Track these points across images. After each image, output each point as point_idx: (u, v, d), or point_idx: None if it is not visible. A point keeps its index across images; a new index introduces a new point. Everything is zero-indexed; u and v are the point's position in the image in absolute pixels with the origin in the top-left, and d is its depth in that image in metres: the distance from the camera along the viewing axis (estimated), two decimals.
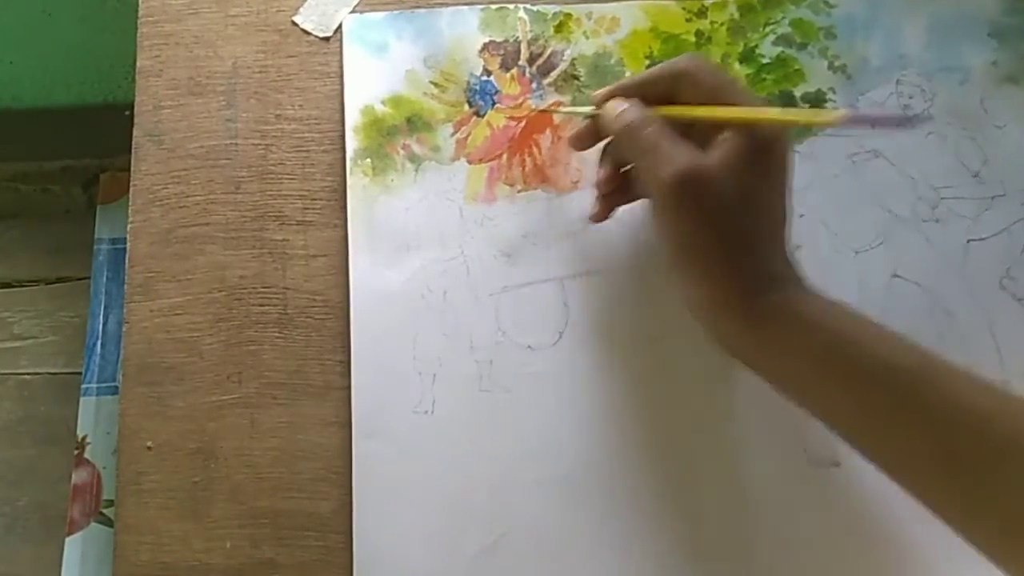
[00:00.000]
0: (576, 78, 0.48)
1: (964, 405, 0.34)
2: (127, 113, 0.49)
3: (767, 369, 0.38)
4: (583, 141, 0.44)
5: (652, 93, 0.40)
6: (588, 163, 0.46)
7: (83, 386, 0.71)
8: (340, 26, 0.49)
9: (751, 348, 0.38)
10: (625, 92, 0.41)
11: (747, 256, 0.37)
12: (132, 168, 0.48)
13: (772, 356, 0.38)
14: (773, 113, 0.37)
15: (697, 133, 0.38)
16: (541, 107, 0.47)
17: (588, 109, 0.43)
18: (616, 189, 0.43)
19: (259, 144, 0.48)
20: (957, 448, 0.33)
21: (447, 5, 0.49)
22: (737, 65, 0.48)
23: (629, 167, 0.43)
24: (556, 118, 0.47)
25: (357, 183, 0.47)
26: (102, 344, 0.72)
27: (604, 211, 0.44)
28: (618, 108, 0.40)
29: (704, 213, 0.37)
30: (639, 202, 0.44)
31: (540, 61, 0.48)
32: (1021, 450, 0.32)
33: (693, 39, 0.48)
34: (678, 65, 0.40)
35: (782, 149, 0.38)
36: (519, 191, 0.46)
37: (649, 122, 0.39)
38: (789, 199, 0.39)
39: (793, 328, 0.37)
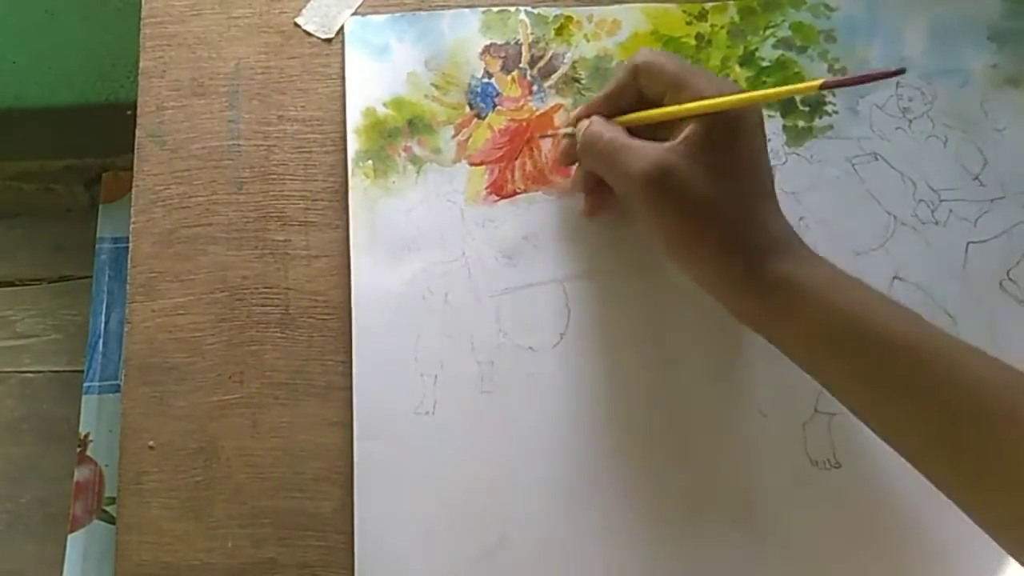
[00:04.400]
0: (577, 80, 0.48)
1: (966, 376, 0.34)
2: (129, 112, 0.49)
3: (777, 339, 0.39)
4: (568, 158, 0.45)
5: (621, 100, 0.42)
6: None
7: (85, 384, 0.71)
8: (342, 28, 0.50)
9: (761, 319, 0.39)
10: (596, 108, 0.42)
11: (738, 232, 0.38)
12: (135, 168, 0.48)
13: (780, 326, 0.39)
14: (745, 97, 0.37)
15: (665, 130, 0.40)
16: (540, 111, 0.48)
17: (568, 129, 0.44)
18: (597, 187, 0.44)
19: (261, 145, 0.48)
20: (959, 418, 0.34)
21: (448, 7, 0.49)
22: (737, 68, 0.48)
23: None
24: (557, 120, 0.47)
25: (359, 184, 0.47)
26: (104, 343, 0.72)
27: (594, 208, 0.45)
28: (581, 127, 0.42)
29: (680, 203, 0.38)
30: None
31: (541, 64, 0.48)
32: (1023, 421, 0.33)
33: (693, 42, 0.48)
34: (634, 62, 0.41)
35: (748, 111, 0.39)
36: (520, 193, 0.46)
37: (603, 135, 0.40)
38: (768, 160, 0.40)
39: (796, 299, 0.37)
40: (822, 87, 0.35)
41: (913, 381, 0.35)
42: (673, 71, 0.39)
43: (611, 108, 0.42)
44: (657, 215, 0.39)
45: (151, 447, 0.45)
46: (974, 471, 0.34)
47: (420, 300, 0.45)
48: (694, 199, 0.38)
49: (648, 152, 0.38)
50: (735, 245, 0.38)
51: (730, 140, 0.38)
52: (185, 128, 0.49)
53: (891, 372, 0.35)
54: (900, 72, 0.34)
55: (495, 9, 0.49)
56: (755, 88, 0.47)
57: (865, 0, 0.49)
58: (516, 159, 0.47)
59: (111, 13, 0.74)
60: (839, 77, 0.35)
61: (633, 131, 0.41)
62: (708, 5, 0.49)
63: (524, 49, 0.49)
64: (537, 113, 0.48)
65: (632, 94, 0.41)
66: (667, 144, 0.38)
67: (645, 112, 0.41)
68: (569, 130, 0.44)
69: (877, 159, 0.46)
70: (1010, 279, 0.45)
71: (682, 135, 0.38)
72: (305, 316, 0.46)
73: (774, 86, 0.47)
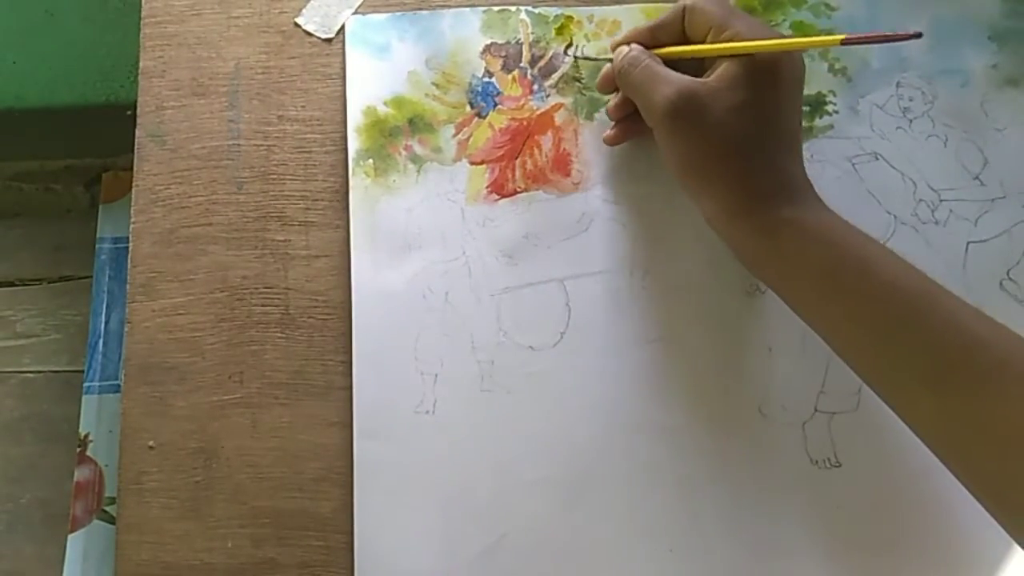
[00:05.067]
0: (578, 80, 0.48)
1: (961, 329, 0.35)
2: (129, 112, 0.49)
3: (776, 279, 0.40)
4: (606, 85, 0.46)
5: (663, 36, 0.43)
6: (589, 164, 0.47)
7: (85, 384, 0.71)
8: (343, 27, 0.50)
9: (761, 257, 0.40)
10: (638, 38, 0.44)
11: (752, 166, 0.39)
12: (135, 168, 0.48)
13: (781, 267, 0.39)
14: (772, 43, 0.39)
15: (703, 69, 0.41)
16: (540, 111, 0.48)
17: (608, 56, 0.45)
18: (629, 117, 0.45)
19: (261, 145, 0.48)
20: (950, 368, 0.35)
21: (449, 7, 0.49)
22: None
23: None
24: (557, 120, 0.47)
25: (359, 184, 0.47)
26: (104, 343, 0.72)
27: (617, 136, 0.46)
28: (620, 52, 0.43)
29: (697, 132, 0.39)
30: (640, 204, 0.45)
31: (542, 63, 0.48)
32: (1013, 372, 0.33)
33: None
34: (683, 2, 0.42)
35: (788, 62, 0.40)
36: (520, 192, 0.46)
37: (641, 61, 0.42)
38: (798, 113, 0.41)
39: (803, 241, 0.38)
40: (843, 42, 0.37)
41: (910, 327, 0.36)
42: (718, 13, 0.41)
43: (653, 41, 0.43)
44: (674, 142, 0.40)
45: (151, 447, 0.45)
46: (961, 420, 0.34)
47: (420, 299, 0.45)
48: (711, 131, 0.39)
49: (677, 80, 0.40)
50: (744, 182, 0.39)
51: (760, 84, 0.39)
52: (185, 128, 0.49)
53: (888, 317, 0.36)
54: (917, 35, 0.36)
55: (496, 8, 0.49)
56: None
57: (865, 0, 0.49)
58: (517, 158, 0.47)
59: (111, 13, 0.73)
60: (860, 34, 0.38)
61: (675, 69, 0.42)
62: None
63: (525, 48, 0.49)
64: (537, 112, 0.48)
65: (675, 31, 0.43)
66: (699, 78, 0.40)
67: (682, 47, 0.42)
68: (610, 56, 0.45)
69: (877, 159, 0.46)
70: (1010, 279, 0.45)
71: (716, 72, 0.40)
72: (305, 316, 0.46)
73: None
